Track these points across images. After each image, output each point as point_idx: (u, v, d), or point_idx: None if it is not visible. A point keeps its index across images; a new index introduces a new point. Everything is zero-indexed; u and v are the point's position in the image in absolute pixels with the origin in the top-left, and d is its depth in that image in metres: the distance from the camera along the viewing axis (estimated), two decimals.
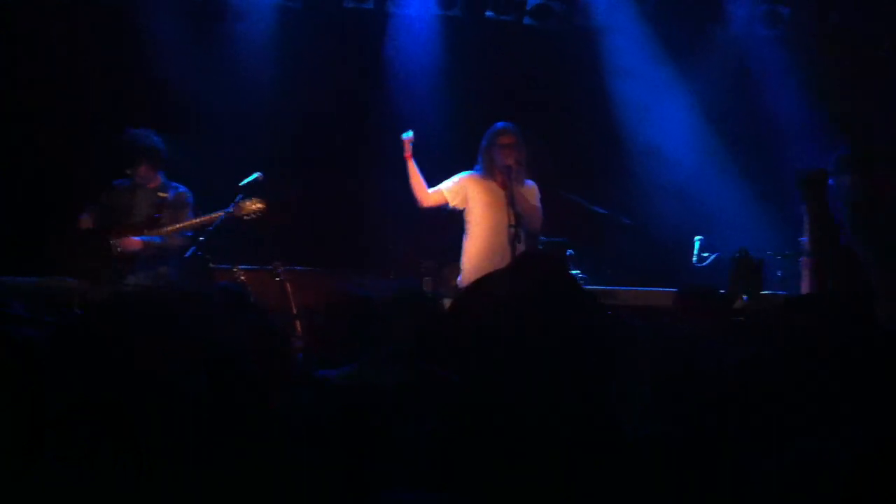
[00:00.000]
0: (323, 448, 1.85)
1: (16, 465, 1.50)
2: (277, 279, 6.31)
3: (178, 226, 6.04)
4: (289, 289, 6.33)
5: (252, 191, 6.13)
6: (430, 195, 6.02)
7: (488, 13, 7.87)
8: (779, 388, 1.96)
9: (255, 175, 6.17)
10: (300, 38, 7.65)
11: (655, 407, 2.06)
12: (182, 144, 6.55)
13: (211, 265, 6.16)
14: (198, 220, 6.07)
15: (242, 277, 6.21)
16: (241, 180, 6.14)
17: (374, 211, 7.24)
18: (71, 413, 1.52)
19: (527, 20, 7.89)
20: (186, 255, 6.07)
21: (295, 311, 6.23)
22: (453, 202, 6.02)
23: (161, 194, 6.14)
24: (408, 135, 5.92)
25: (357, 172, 7.49)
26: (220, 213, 6.01)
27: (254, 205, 6.00)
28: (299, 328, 6.09)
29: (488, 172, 5.97)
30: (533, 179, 6.13)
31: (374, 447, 2.00)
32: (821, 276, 3.63)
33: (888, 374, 1.95)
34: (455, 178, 6.08)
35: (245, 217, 6.02)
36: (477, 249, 5.95)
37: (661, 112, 7.92)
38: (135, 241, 5.99)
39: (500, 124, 5.99)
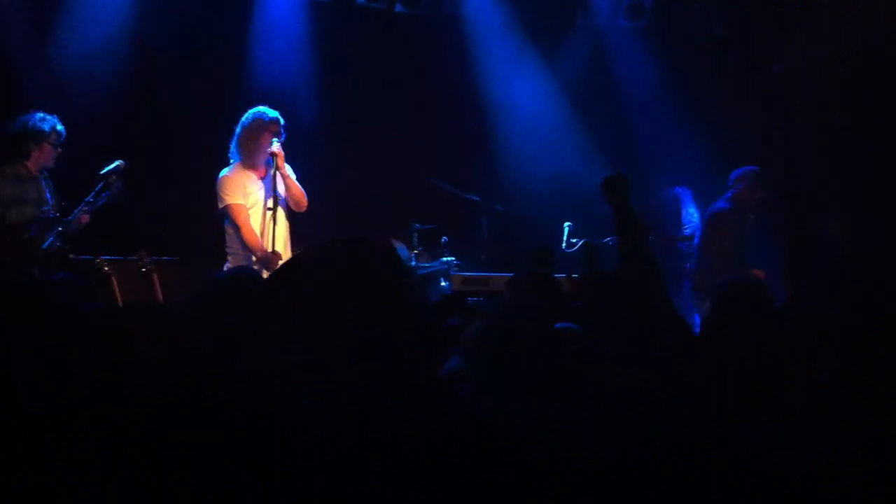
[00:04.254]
0: None
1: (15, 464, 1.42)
2: (143, 270, 6.08)
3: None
4: (155, 280, 6.11)
5: (112, 179, 5.89)
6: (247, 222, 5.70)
7: (359, 0, 7.82)
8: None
9: (116, 163, 5.93)
10: (165, 23, 7.41)
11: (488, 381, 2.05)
12: None
13: (71, 256, 5.88)
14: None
15: (106, 268, 5.96)
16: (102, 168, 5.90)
17: None
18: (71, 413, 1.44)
19: (398, 8, 7.88)
20: (44, 246, 5.78)
21: (161, 302, 6.02)
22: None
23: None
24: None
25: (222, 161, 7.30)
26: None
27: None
28: None
29: (249, 160, 5.73)
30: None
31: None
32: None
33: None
34: (229, 186, 5.68)
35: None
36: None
37: (529, 100, 8.07)
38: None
39: (270, 113, 5.72)
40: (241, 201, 5.69)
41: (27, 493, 1.50)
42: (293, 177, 5.80)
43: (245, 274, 3.84)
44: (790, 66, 7.76)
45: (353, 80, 7.85)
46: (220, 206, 5.72)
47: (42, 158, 5.94)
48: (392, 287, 1.66)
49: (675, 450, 1.73)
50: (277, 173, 5.66)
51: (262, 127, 5.69)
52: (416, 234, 7.01)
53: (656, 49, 8.18)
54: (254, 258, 5.63)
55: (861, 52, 7.30)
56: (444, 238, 6.90)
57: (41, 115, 5.94)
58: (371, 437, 1.51)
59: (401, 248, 7.21)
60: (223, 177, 5.75)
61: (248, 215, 5.69)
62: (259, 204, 5.68)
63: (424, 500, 1.51)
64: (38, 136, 5.90)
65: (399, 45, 7.93)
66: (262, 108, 5.75)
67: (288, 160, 5.77)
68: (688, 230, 7.33)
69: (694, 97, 7.96)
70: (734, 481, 1.70)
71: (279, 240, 5.63)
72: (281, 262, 5.39)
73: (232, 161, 5.79)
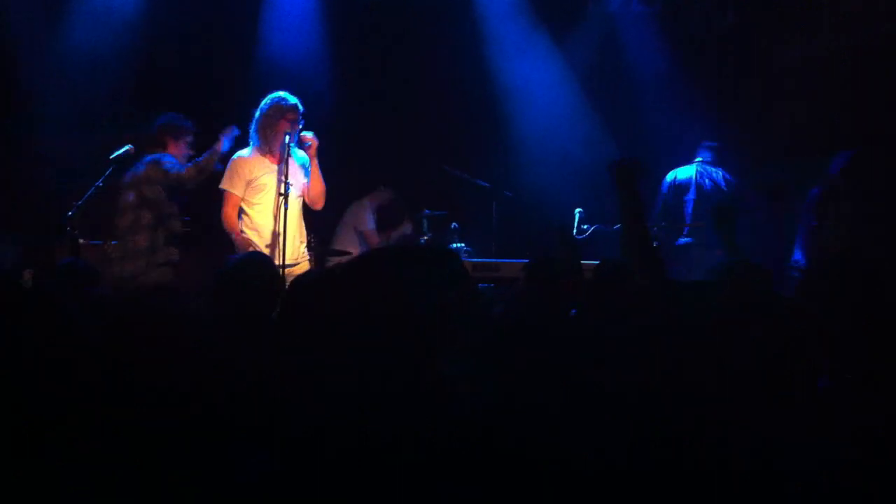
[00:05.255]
0: None
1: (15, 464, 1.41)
2: None
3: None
4: None
5: (123, 163, 5.90)
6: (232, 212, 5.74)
7: None
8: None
9: (126, 147, 5.94)
10: (176, 7, 7.40)
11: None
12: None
13: (81, 241, 5.89)
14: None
15: (115, 253, 5.96)
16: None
17: None
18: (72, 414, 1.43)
19: None
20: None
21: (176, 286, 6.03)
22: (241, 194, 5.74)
23: None
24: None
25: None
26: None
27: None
28: None
29: (266, 144, 5.72)
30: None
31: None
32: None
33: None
34: (232, 171, 5.73)
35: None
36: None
37: (540, 85, 8.03)
38: None
39: (290, 99, 5.71)
40: (235, 191, 5.69)
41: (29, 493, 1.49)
42: (319, 172, 5.79)
43: (257, 259, 3.86)
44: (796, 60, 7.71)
45: (363, 65, 7.82)
46: (220, 186, 5.75)
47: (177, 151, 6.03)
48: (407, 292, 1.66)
49: (676, 448, 1.71)
50: (292, 160, 5.66)
51: (280, 113, 5.68)
52: (425, 220, 7.00)
53: (669, 35, 8.12)
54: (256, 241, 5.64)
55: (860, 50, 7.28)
56: (455, 224, 6.88)
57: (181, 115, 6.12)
58: (378, 436, 1.50)
59: (406, 228, 7.21)
60: (233, 160, 5.76)
61: (237, 204, 5.70)
62: (271, 189, 5.67)
63: (427, 501, 1.50)
64: (177, 130, 6.04)
65: (410, 30, 7.89)
66: (282, 94, 5.73)
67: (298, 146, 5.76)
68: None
69: (706, 84, 7.91)
70: (736, 480, 1.68)
71: (291, 225, 5.62)
72: (284, 249, 5.45)
73: (250, 144, 5.77)
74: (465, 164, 7.15)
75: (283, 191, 5.59)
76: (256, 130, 5.74)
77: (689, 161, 7.37)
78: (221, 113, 7.19)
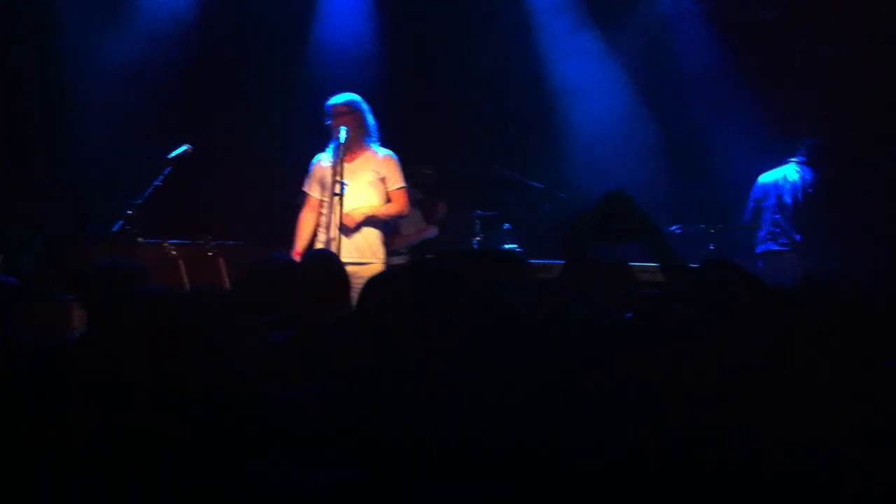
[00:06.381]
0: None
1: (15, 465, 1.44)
2: (210, 254, 6.16)
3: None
4: (221, 263, 6.19)
5: (180, 163, 5.97)
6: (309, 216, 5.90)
7: None
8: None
9: (183, 147, 6.00)
10: (230, 5, 7.47)
11: None
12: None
13: (139, 240, 5.97)
14: None
15: (173, 252, 6.05)
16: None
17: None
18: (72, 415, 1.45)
19: None
20: (113, 230, 5.87)
21: (228, 286, 6.09)
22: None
23: None
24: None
25: (287, 145, 7.35)
26: None
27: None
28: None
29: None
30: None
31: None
32: None
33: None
34: (310, 173, 5.95)
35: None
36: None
37: (592, 85, 7.98)
38: None
39: (331, 99, 5.83)
40: (313, 194, 5.89)
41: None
42: (397, 186, 5.87)
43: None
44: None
45: (413, 65, 7.82)
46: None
47: None
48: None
49: (676, 447, 1.69)
50: (342, 161, 5.72)
51: (328, 116, 5.79)
52: (477, 221, 6.99)
53: (720, 30, 8.01)
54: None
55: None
56: (507, 225, 6.86)
57: None
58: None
59: (431, 232, 7.14)
60: (311, 163, 5.95)
61: (310, 207, 5.86)
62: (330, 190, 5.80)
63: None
64: None
65: (460, 27, 7.85)
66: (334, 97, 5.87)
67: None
68: None
69: (758, 79, 7.78)
70: (736, 479, 1.66)
71: (335, 227, 5.66)
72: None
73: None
74: (517, 164, 7.13)
75: (337, 191, 5.64)
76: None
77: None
78: (268, 116, 7.30)
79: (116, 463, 1.49)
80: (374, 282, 2.36)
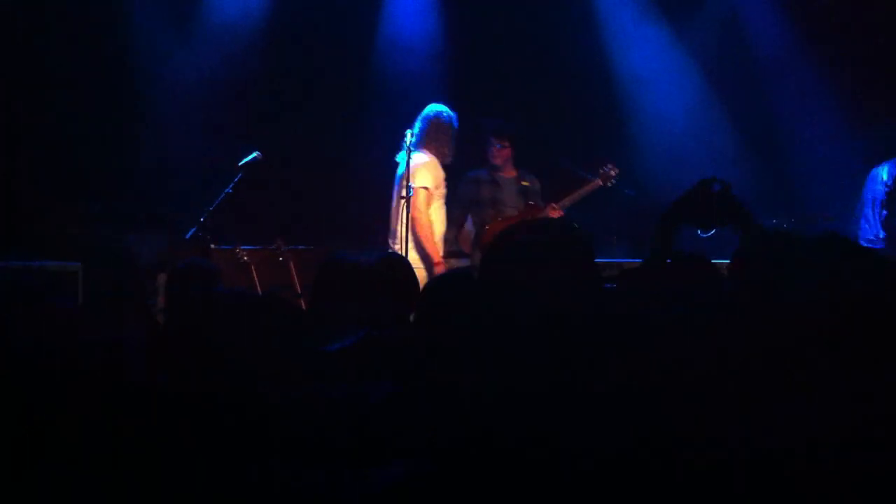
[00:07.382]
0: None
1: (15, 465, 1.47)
2: (281, 258, 6.26)
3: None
4: (292, 267, 6.29)
5: (251, 170, 6.06)
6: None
7: None
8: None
9: (254, 154, 6.09)
10: (300, 9, 7.55)
11: None
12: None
13: (212, 246, 6.09)
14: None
15: (245, 258, 6.16)
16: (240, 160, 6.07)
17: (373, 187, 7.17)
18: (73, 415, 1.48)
19: None
20: (187, 236, 5.99)
21: (300, 290, 6.18)
22: None
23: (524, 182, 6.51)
24: None
25: (357, 149, 7.41)
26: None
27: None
28: (304, 307, 6.03)
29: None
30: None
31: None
32: None
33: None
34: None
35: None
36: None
37: (660, 77, 7.85)
38: None
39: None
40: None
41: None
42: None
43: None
44: None
45: (478, 59, 7.77)
46: None
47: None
48: None
49: (676, 446, 1.64)
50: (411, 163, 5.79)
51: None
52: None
53: (794, 16, 7.80)
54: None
55: None
56: (574, 223, 6.79)
57: None
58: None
59: None
60: None
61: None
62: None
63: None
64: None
65: (526, 18, 7.79)
66: None
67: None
68: None
69: (832, 66, 7.56)
70: (734, 479, 1.62)
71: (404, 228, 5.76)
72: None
73: None
74: (584, 159, 7.02)
75: (404, 194, 5.72)
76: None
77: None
78: (336, 120, 7.34)
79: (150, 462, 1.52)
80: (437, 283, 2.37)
